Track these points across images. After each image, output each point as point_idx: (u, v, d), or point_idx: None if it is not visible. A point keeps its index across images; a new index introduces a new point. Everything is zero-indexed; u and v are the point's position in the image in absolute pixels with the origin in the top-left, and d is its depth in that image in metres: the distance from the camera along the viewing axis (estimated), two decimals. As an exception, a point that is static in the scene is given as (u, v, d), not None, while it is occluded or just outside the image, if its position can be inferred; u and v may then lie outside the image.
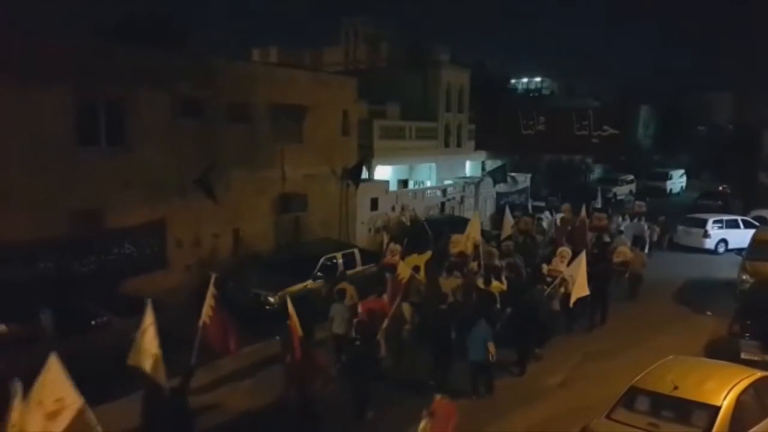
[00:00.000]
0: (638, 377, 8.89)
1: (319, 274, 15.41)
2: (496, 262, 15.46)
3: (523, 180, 32.98)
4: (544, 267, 14.96)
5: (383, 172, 26.15)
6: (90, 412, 6.54)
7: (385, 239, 15.68)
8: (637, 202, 29.32)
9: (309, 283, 15.13)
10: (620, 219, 24.23)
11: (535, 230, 20.64)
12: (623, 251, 17.96)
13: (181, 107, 15.76)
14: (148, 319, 8.46)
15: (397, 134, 26.41)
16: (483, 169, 32.61)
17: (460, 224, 23.64)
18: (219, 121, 16.74)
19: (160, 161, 15.26)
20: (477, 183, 28.60)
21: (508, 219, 19.96)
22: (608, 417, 8.42)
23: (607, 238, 20.14)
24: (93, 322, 10.85)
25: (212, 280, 9.33)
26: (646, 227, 23.22)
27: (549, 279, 14.19)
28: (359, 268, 16.45)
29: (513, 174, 31.50)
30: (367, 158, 23.00)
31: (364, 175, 22.26)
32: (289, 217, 19.26)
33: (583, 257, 13.92)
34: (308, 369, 9.17)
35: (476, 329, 11.09)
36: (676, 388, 8.28)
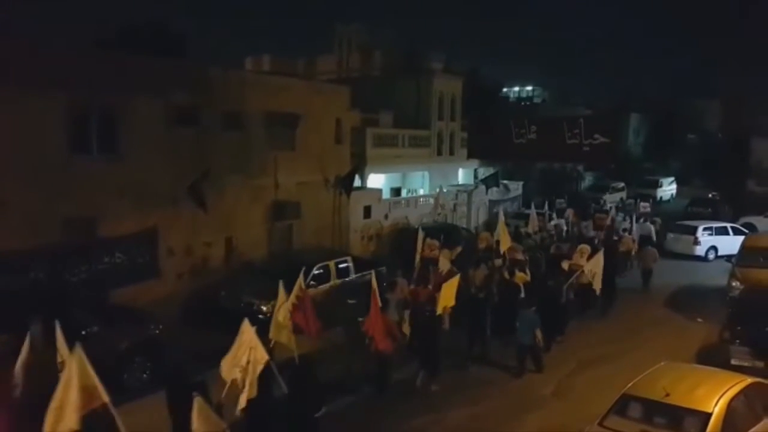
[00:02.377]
0: (630, 384, 8.92)
1: (312, 282, 15.39)
2: (520, 256, 16.94)
3: (516, 188, 33.12)
4: (566, 263, 16.43)
5: (376, 180, 26.19)
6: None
7: (421, 234, 17.36)
8: (642, 203, 32.22)
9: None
10: (627, 219, 26.05)
11: (553, 229, 23.69)
12: (627, 242, 21.13)
13: (174, 115, 15.75)
14: (281, 299, 9.97)
15: (390, 142, 26.47)
16: (475, 176, 32.71)
17: (453, 231, 23.85)
18: (212, 130, 16.75)
19: (153, 169, 15.23)
20: (470, 191, 28.70)
21: (534, 218, 22.97)
22: (601, 424, 8.44)
23: (614, 237, 22.31)
24: (83, 332, 10.77)
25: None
26: (652, 228, 25.13)
27: (568, 272, 15.89)
28: (353, 276, 16.45)
29: (505, 182, 31.64)
30: (359, 166, 23.05)
31: (357, 183, 22.30)
32: (282, 225, 19.25)
33: (601, 255, 15.72)
34: (385, 332, 10.94)
35: (526, 317, 12.68)
36: (667, 394, 8.30)
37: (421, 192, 28.79)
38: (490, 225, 24.45)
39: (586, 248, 17.18)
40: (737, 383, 8.67)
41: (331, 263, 16.26)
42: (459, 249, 17.19)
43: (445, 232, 22.41)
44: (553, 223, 24.82)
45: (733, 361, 11.94)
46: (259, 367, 8.16)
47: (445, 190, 28.37)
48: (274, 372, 8.60)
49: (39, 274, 12.96)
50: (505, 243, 17.32)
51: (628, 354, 13.47)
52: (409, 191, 29.09)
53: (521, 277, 14.97)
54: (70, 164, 13.68)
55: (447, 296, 12.30)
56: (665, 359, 10.06)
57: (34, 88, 12.73)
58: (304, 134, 19.73)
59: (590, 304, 16.28)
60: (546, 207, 26.58)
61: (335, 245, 20.39)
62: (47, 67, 13.00)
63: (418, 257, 16.29)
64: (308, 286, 15.18)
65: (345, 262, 16.69)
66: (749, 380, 8.93)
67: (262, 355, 8.18)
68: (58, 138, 13.47)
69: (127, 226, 14.74)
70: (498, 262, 16.58)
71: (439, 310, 12.29)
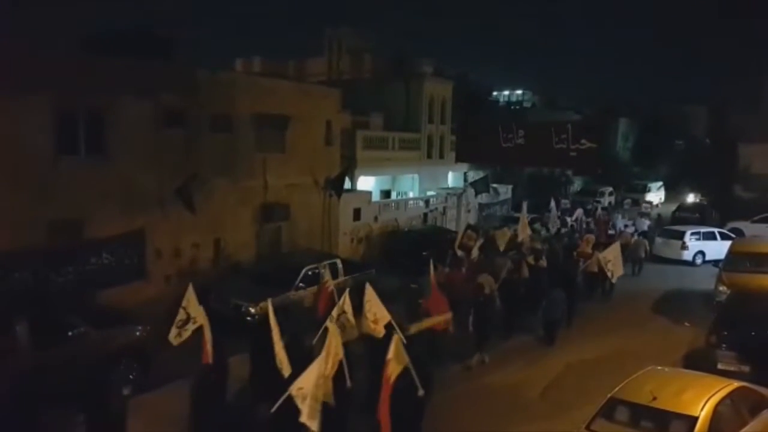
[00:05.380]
0: (617, 388, 8.95)
1: (301, 284, 15.35)
2: (538, 245, 19.58)
3: (505, 191, 33.24)
4: (575, 252, 19.32)
5: (366, 182, 26.19)
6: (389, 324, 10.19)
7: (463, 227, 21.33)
8: (644, 203, 36.36)
9: (291, 293, 15.05)
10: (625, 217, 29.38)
11: (559, 224, 26.79)
12: (626, 237, 23.40)
13: (162, 117, 15.67)
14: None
15: (380, 145, 26.48)
16: (465, 180, 32.79)
17: (443, 235, 23.90)
18: (201, 131, 16.67)
19: (141, 171, 15.15)
20: (459, 194, 28.75)
21: (553, 213, 26.33)
22: (588, 428, 8.47)
23: (611, 231, 25.34)
24: (70, 334, 10.68)
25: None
26: (647, 223, 28.24)
27: (580, 259, 18.50)
28: (342, 278, 16.40)
29: (495, 185, 31.74)
30: (349, 168, 23.04)
31: (347, 185, 22.28)
32: (271, 227, 19.19)
33: (618, 244, 18.78)
34: (439, 309, 12.46)
35: (555, 295, 14.96)
36: (654, 398, 8.35)
37: (411, 195, 28.80)
38: (479, 227, 25.48)
39: (591, 238, 20.40)
40: (723, 387, 8.73)
41: (321, 265, 16.21)
42: (481, 241, 19.67)
43: (434, 235, 22.86)
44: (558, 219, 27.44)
45: (720, 366, 11.98)
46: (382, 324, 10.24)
47: (434, 193, 28.46)
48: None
49: (25, 276, 12.84)
50: (525, 234, 20.20)
51: (615, 357, 13.52)
52: (399, 194, 29.10)
53: (540, 263, 17.49)
54: (58, 165, 13.57)
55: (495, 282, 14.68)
56: (652, 363, 10.12)
57: (21, 90, 12.60)
58: (294, 136, 19.68)
59: (595, 289, 18.71)
60: (553, 207, 27.92)
61: (325, 247, 20.35)
62: (35, 68, 12.88)
63: (456, 246, 18.82)
64: (298, 288, 15.24)
65: (335, 264, 16.63)
66: (735, 384, 9.00)
67: (383, 315, 10.28)
68: (46, 139, 13.36)
69: (114, 227, 14.63)
70: (512, 254, 18.40)
71: (488, 291, 14.26)
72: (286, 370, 8.79)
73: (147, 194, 15.31)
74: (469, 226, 23.40)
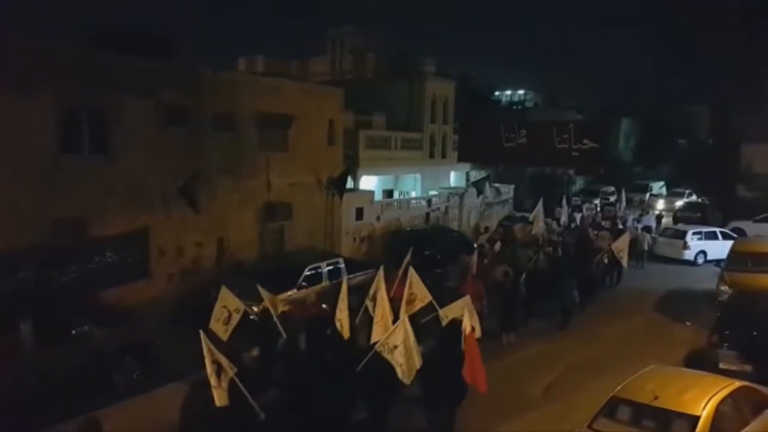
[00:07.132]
0: (619, 387, 8.96)
1: (303, 284, 15.39)
2: (555, 237, 22.49)
3: (507, 191, 33.22)
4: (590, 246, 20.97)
5: (368, 182, 26.21)
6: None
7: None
8: (649, 199, 39.02)
9: (293, 292, 15.08)
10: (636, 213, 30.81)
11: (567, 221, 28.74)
12: (633, 231, 24.37)
13: (165, 116, 15.71)
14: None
15: (383, 144, 26.51)
16: (467, 179, 32.79)
17: (445, 234, 23.93)
18: (204, 130, 16.71)
19: (144, 169, 15.19)
20: (461, 194, 28.76)
21: (565, 209, 27.54)
22: (590, 427, 8.48)
23: (620, 225, 26.62)
24: (73, 332, 10.72)
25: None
26: (653, 218, 30.12)
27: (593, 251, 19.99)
28: (344, 277, 16.41)
29: (497, 185, 31.75)
30: (352, 168, 23.07)
31: (350, 184, 22.31)
32: (273, 227, 19.23)
33: (627, 234, 20.50)
34: (475, 295, 13.03)
35: (565, 281, 16.18)
36: (656, 398, 8.35)
37: (413, 194, 28.81)
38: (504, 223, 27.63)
39: (605, 234, 22.59)
40: (725, 387, 8.74)
41: (323, 265, 16.25)
42: (501, 233, 22.57)
43: (436, 235, 23.09)
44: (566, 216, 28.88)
45: (722, 365, 11.97)
46: (420, 303, 11.45)
47: (436, 193, 28.47)
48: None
49: (28, 275, 12.88)
50: (538, 227, 21.89)
51: (616, 357, 13.52)
52: (401, 193, 29.11)
53: (557, 254, 19.44)
54: (61, 164, 13.60)
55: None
56: (654, 362, 10.13)
57: (24, 88, 12.65)
58: (296, 135, 19.72)
59: (605, 279, 20.37)
60: (564, 203, 28.48)
61: (327, 247, 20.38)
62: (37, 66, 12.92)
63: (486, 240, 21.58)
64: (300, 287, 15.27)
65: (337, 263, 16.67)
66: (737, 384, 9.00)
67: (424, 295, 11.47)
68: (49, 138, 13.38)
69: (117, 226, 14.68)
70: (531, 246, 20.34)
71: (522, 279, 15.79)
72: (346, 334, 10.21)
73: (150, 193, 15.36)
74: (500, 224, 26.45)
